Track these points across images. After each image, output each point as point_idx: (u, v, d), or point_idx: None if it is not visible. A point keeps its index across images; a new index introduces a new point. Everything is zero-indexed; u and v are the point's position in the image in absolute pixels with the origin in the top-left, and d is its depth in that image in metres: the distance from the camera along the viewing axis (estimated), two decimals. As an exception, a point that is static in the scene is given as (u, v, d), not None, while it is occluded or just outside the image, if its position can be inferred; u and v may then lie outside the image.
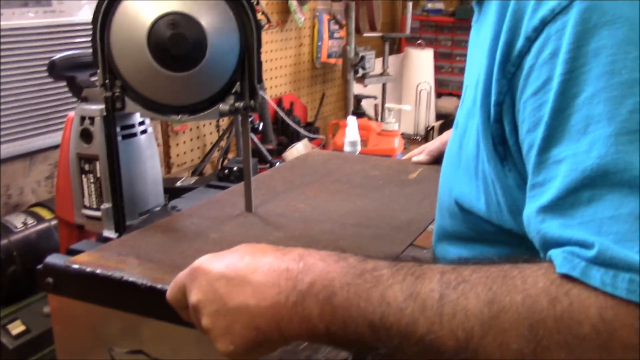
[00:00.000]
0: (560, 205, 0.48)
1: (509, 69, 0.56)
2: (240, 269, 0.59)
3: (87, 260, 0.86)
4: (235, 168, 1.69)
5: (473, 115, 0.63)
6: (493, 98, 0.58)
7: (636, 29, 0.48)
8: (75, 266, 0.85)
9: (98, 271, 0.83)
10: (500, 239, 0.63)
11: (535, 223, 0.50)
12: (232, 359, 0.60)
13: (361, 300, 0.52)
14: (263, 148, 2.61)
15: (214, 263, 0.61)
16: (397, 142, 3.04)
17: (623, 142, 0.46)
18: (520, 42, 0.55)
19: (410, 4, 3.82)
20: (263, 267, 0.58)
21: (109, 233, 1.04)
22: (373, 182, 1.25)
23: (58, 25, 1.92)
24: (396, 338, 0.50)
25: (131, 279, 0.81)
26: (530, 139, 0.53)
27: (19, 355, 1.50)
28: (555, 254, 0.47)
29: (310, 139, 2.94)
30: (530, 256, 0.50)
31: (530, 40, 0.53)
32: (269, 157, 2.58)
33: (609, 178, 0.46)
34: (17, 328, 1.54)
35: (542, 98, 0.51)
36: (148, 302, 0.79)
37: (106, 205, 1.04)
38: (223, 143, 2.66)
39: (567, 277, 0.45)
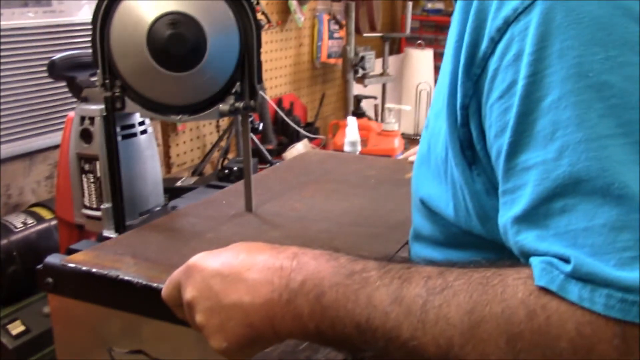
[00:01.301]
0: (534, 215, 0.47)
1: (474, 71, 0.53)
2: (235, 266, 0.59)
3: (83, 259, 0.87)
4: (235, 168, 1.69)
5: (441, 117, 0.60)
6: (459, 101, 0.56)
7: (603, 29, 0.46)
8: (72, 265, 0.85)
9: (94, 270, 0.83)
10: (470, 243, 0.61)
11: (512, 234, 0.49)
12: (226, 357, 0.60)
13: (349, 301, 0.52)
14: (263, 148, 2.60)
15: (209, 260, 0.61)
16: (397, 142, 3.04)
17: (594, 149, 0.44)
18: (484, 44, 0.52)
19: (410, 4, 3.80)
20: (258, 264, 0.58)
21: (109, 233, 1.04)
22: (369, 182, 1.26)
23: (58, 25, 1.92)
24: (382, 340, 0.50)
25: (127, 277, 0.81)
26: (498, 144, 0.51)
27: (19, 355, 1.51)
28: (534, 263, 0.46)
29: (310, 139, 2.93)
30: (514, 261, 0.49)
31: (494, 42, 0.51)
32: (269, 157, 2.58)
33: (581, 186, 0.44)
34: (17, 328, 1.54)
35: (507, 102, 0.50)
36: (144, 300, 0.80)
37: (106, 205, 1.04)
38: (223, 143, 2.66)
39: (545, 289, 0.44)
